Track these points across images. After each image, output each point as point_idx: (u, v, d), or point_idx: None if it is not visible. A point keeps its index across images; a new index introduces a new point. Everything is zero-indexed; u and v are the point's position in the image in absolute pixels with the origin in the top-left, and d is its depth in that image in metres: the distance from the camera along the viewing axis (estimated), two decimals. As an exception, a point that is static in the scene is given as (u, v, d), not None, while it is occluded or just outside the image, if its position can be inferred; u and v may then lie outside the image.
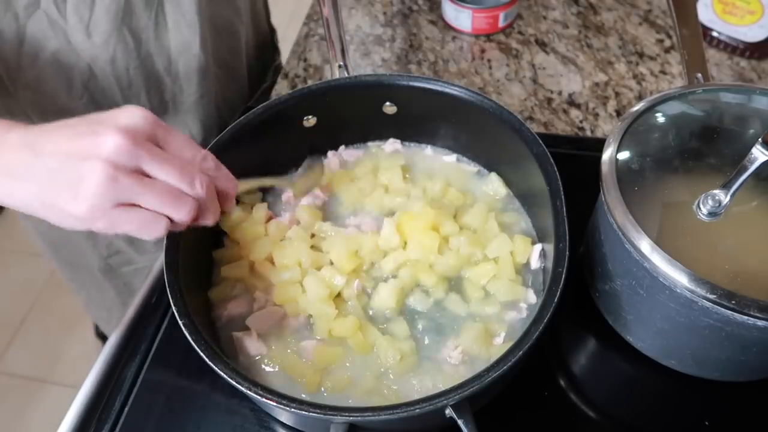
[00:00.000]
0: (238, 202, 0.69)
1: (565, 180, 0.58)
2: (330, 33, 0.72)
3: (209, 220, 0.52)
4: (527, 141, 0.62)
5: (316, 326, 0.61)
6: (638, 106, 0.60)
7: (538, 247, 0.64)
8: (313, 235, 0.67)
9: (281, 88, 0.94)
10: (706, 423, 0.59)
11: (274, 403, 0.48)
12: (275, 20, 1.09)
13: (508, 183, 0.71)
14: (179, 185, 0.48)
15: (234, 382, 0.50)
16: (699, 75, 0.64)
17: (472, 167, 0.74)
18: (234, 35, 0.86)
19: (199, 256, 0.64)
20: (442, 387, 0.49)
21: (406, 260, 0.63)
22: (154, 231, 0.49)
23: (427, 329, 0.61)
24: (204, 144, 0.85)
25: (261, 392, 0.49)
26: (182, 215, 0.49)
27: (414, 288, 0.63)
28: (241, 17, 0.87)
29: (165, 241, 0.57)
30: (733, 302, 0.48)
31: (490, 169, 0.73)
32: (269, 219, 0.69)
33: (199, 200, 0.50)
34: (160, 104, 0.79)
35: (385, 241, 0.65)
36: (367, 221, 0.68)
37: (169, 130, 0.50)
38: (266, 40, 1.03)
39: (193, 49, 0.77)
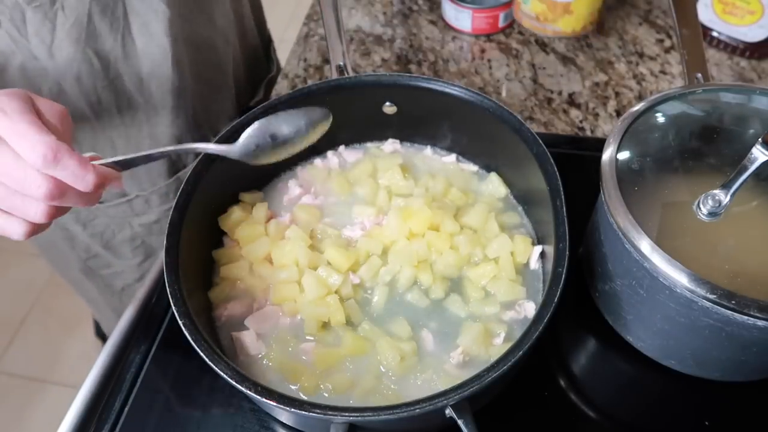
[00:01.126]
0: (238, 201, 0.70)
1: (565, 180, 0.58)
2: (330, 33, 0.72)
3: (82, 205, 0.52)
4: (527, 141, 0.62)
5: (306, 325, 0.61)
6: (638, 106, 0.60)
7: (539, 248, 0.64)
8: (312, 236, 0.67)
9: (281, 88, 0.94)
10: (706, 423, 0.59)
11: (274, 403, 0.48)
12: (275, 21, 1.09)
13: (508, 183, 0.71)
14: (21, 191, 0.49)
15: (234, 382, 0.50)
16: (699, 75, 0.64)
17: (472, 167, 0.74)
18: (215, 52, 0.84)
19: (199, 256, 0.64)
20: (442, 387, 0.49)
21: (406, 259, 0.63)
22: (13, 232, 0.50)
23: (427, 329, 0.61)
24: (182, 164, 0.84)
25: (261, 392, 0.49)
26: (32, 217, 0.50)
27: (412, 287, 0.63)
28: (224, 35, 0.85)
29: (165, 242, 0.57)
30: (733, 302, 0.48)
31: (490, 169, 0.73)
32: (269, 219, 0.69)
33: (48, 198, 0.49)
34: (133, 121, 0.77)
35: (385, 239, 0.65)
36: (367, 221, 0.68)
37: (18, 132, 0.48)
38: (257, 54, 1.01)
39: (165, 71, 0.75)
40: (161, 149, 0.55)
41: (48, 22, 0.65)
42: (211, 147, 0.58)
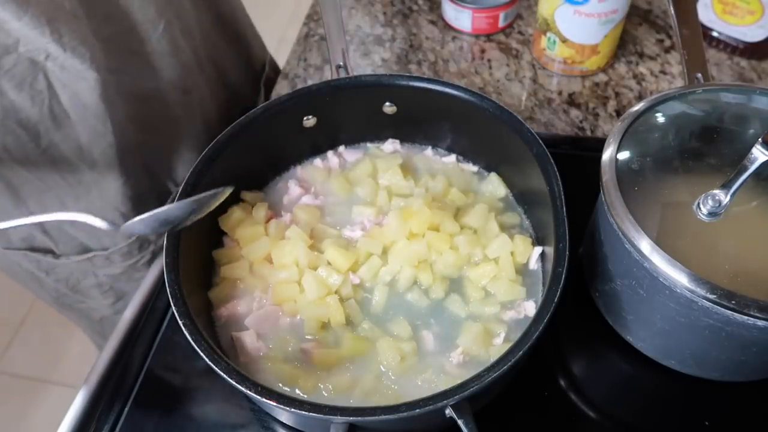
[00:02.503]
0: (238, 201, 0.70)
1: (565, 180, 0.58)
2: (330, 33, 0.72)
3: None
4: (527, 141, 0.62)
5: (306, 325, 0.61)
6: (638, 106, 0.60)
7: (539, 248, 0.64)
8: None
9: (281, 88, 0.94)
10: (706, 423, 0.60)
11: (274, 403, 0.48)
12: (275, 21, 1.08)
13: (508, 183, 0.71)
14: None
15: (234, 382, 0.50)
16: (699, 75, 0.64)
17: (472, 167, 0.74)
18: (162, 101, 0.76)
19: (199, 256, 0.64)
20: (442, 387, 0.49)
21: (406, 260, 0.63)
22: None
23: (427, 329, 0.61)
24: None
25: (261, 392, 0.49)
26: None
27: (412, 287, 0.63)
28: (172, 82, 0.76)
29: (165, 242, 0.57)
30: (733, 302, 0.48)
31: (490, 170, 0.73)
32: (269, 219, 0.69)
33: None
34: (80, 184, 0.73)
35: (385, 239, 0.65)
36: (367, 221, 0.68)
37: None
38: (236, 93, 0.93)
39: (106, 136, 0.70)
40: (32, 219, 0.52)
41: None
42: (96, 221, 0.52)
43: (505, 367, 0.49)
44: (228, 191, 0.56)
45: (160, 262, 0.71)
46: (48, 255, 0.81)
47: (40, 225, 0.77)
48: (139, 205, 0.79)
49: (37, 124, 0.66)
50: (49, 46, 0.61)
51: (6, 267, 0.87)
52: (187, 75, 0.79)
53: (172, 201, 0.60)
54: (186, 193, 0.61)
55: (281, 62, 1.01)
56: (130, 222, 0.52)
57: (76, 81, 0.65)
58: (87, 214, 0.52)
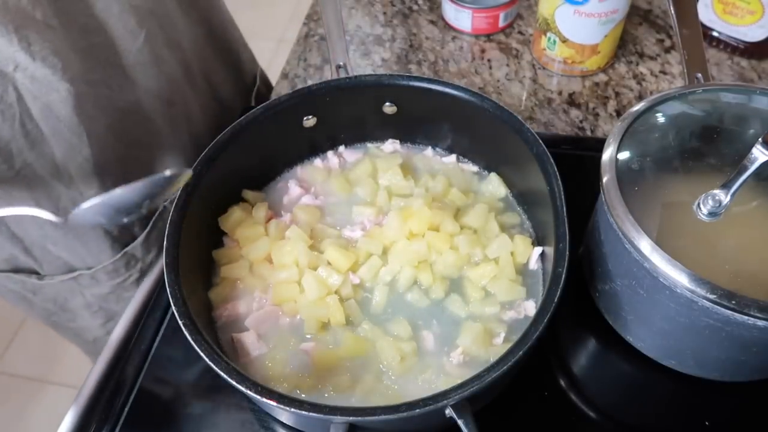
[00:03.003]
0: (239, 201, 0.70)
1: (565, 180, 0.58)
2: (330, 33, 0.72)
3: None
4: (527, 141, 0.62)
5: (306, 325, 0.61)
6: (638, 106, 0.60)
7: (539, 248, 0.64)
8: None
9: (281, 88, 0.94)
10: (706, 423, 0.59)
11: (275, 403, 0.48)
12: (275, 21, 1.08)
13: (508, 183, 0.71)
14: None
15: (234, 382, 0.50)
16: (699, 75, 0.64)
17: (472, 167, 0.74)
18: (143, 113, 0.74)
19: (199, 256, 0.64)
20: (442, 387, 0.49)
21: (406, 260, 0.63)
22: None
23: (427, 330, 0.61)
24: (130, 237, 0.76)
25: (261, 392, 0.49)
26: None
27: (412, 287, 0.63)
28: (155, 93, 0.75)
29: (165, 241, 0.57)
30: (733, 302, 0.48)
31: (490, 170, 0.73)
32: (269, 219, 0.69)
33: None
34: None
35: (385, 239, 0.65)
36: (367, 221, 0.68)
37: None
38: (227, 107, 0.91)
39: (83, 152, 0.67)
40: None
41: None
42: (42, 213, 0.51)
43: (505, 367, 0.49)
44: (187, 175, 0.53)
45: (149, 280, 0.71)
46: (32, 276, 0.79)
47: (21, 244, 0.74)
48: (120, 240, 0.77)
49: (9, 143, 0.63)
50: (17, 55, 0.59)
51: None
52: (172, 87, 0.77)
53: (171, 203, 0.60)
54: (186, 194, 0.61)
55: (281, 62, 1.01)
56: (77, 210, 0.49)
57: (48, 92, 0.62)
58: (34, 207, 0.51)
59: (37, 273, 0.80)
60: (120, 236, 0.78)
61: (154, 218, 0.80)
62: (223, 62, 0.90)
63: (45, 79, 0.61)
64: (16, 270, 0.79)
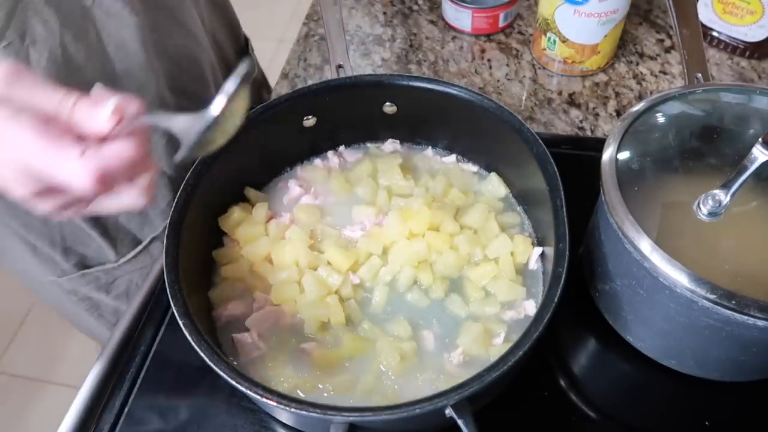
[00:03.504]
0: (238, 201, 0.70)
1: (565, 180, 0.58)
2: (330, 33, 0.72)
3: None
4: (527, 141, 0.62)
5: (306, 325, 0.61)
6: (638, 106, 0.60)
7: (539, 248, 0.64)
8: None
9: (281, 88, 0.94)
10: (706, 423, 0.59)
11: (275, 403, 0.48)
12: (275, 21, 1.08)
13: (508, 183, 0.71)
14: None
15: (234, 382, 0.50)
16: (699, 75, 0.64)
17: (472, 167, 0.74)
18: (194, 62, 0.77)
19: (199, 256, 0.64)
20: (442, 387, 0.49)
21: (406, 260, 0.63)
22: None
23: (427, 329, 0.61)
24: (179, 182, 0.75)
25: (261, 392, 0.49)
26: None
27: (412, 287, 0.63)
28: (200, 43, 0.79)
29: (165, 241, 0.57)
30: (733, 302, 0.48)
31: (490, 170, 0.73)
32: (269, 219, 0.69)
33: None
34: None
35: (385, 239, 0.65)
36: (367, 221, 0.68)
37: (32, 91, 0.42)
38: (232, 60, 0.93)
39: (151, 92, 0.71)
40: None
41: (21, 63, 0.58)
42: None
43: (505, 367, 0.48)
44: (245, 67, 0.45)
45: (149, 280, 0.71)
46: (106, 265, 0.80)
47: (102, 227, 0.75)
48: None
49: (90, 83, 0.64)
50: None
51: (56, 301, 0.85)
52: (201, 35, 0.78)
53: (174, 203, 0.60)
54: (186, 194, 0.61)
55: (281, 62, 1.01)
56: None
57: (120, 28, 0.64)
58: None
59: (110, 261, 0.80)
60: (176, 185, 0.78)
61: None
62: (222, 23, 0.90)
63: (117, 14, 0.63)
64: (88, 266, 0.79)
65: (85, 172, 0.41)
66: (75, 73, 0.63)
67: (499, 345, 0.59)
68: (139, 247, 0.80)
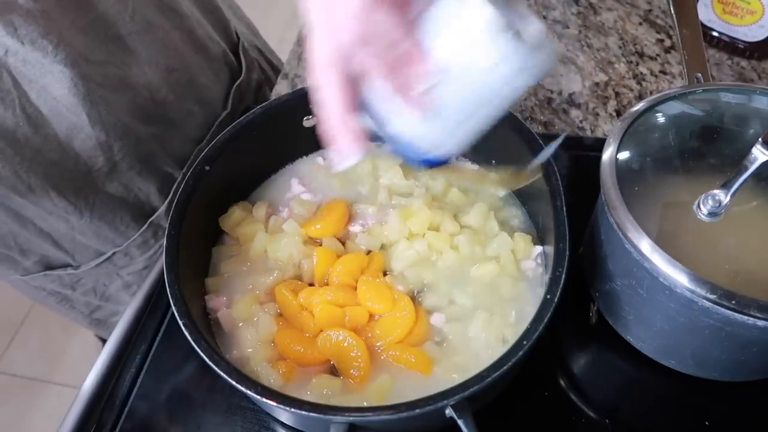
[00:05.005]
0: (239, 200, 0.70)
1: (565, 180, 0.58)
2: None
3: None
4: (527, 141, 0.62)
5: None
6: (638, 106, 0.60)
7: (539, 248, 0.64)
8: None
9: (281, 88, 0.94)
10: (706, 423, 0.59)
11: (275, 403, 0.48)
12: (275, 21, 1.07)
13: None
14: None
15: (234, 382, 0.50)
16: (699, 75, 0.64)
17: (471, 166, 0.74)
18: (153, 88, 0.75)
19: (199, 256, 0.64)
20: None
21: (407, 260, 0.63)
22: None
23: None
24: (150, 209, 0.76)
25: (261, 392, 0.49)
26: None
27: (412, 287, 0.63)
28: (159, 64, 0.75)
29: (165, 242, 0.57)
30: (733, 302, 0.48)
31: (490, 169, 0.72)
32: (269, 216, 0.69)
33: None
34: (79, 200, 0.72)
35: (384, 239, 0.65)
36: (368, 219, 0.68)
37: None
38: (220, 63, 0.89)
39: (85, 131, 0.69)
40: None
41: None
42: None
43: (505, 367, 0.48)
44: None
45: (149, 280, 0.71)
46: (67, 269, 0.80)
47: (50, 239, 0.76)
48: (161, 195, 0.79)
49: (15, 131, 0.64)
50: (5, 40, 0.61)
51: (32, 295, 0.86)
52: (169, 53, 0.77)
53: (174, 203, 0.60)
54: (186, 194, 0.61)
55: (281, 62, 1.01)
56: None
57: (42, 75, 0.64)
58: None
59: (70, 265, 0.80)
60: (142, 209, 0.79)
61: (174, 187, 0.81)
62: (216, 29, 0.89)
63: (37, 62, 0.63)
64: (50, 267, 0.80)
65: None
66: None
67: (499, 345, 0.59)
68: (101, 258, 0.80)
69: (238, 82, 0.91)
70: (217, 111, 0.87)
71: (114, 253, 0.80)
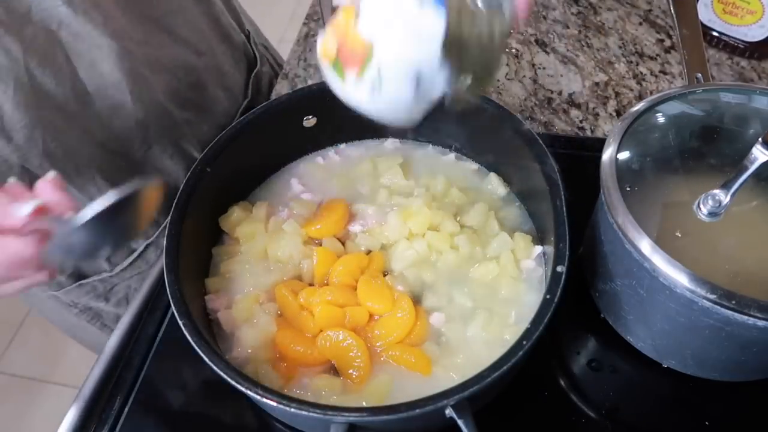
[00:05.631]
0: (239, 200, 0.70)
1: (565, 180, 0.58)
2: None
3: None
4: (527, 141, 0.62)
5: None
6: (638, 106, 0.60)
7: (539, 248, 0.64)
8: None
9: (281, 88, 0.94)
10: (706, 423, 0.59)
11: (275, 403, 0.48)
12: (275, 21, 1.08)
13: (508, 183, 0.71)
14: None
15: (234, 382, 0.50)
16: (699, 75, 0.64)
17: (472, 166, 0.74)
18: (191, 70, 0.77)
19: (199, 256, 0.64)
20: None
21: (407, 260, 0.63)
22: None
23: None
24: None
25: (261, 392, 0.49)
26: None
27: (412, 288, 0.63)
28: (195, 47, 0.77)
29: (165, 241, 0.57)
30: (733, 302, 0.48)
31: (490, 169, 0.73)
32: (269, 216, 0.69)
33: None
34: (119, 170, 0.72)
35: (384, 239, 0.65)
36: (368, 219, 0.68)
37: None
38: (241, 52, 0.91)
39: (127, 110, 0.69)
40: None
41: None
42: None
43: (505, 367, 0.48)
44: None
45: (149, 280, 0.71)
46: (102, 274, 0.80)
47: None
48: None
49: (66, 107, 0.64)
50: (60, 10, 0.60)
51: (59, 318, 0.85)
52: (197, 36, 0.78)
53: (174, 203, 0.60)
54: (186, 194, 0.61)
55: (282, 63, 1.01)
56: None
57: (90, 49, 0.64)
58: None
59: (105, 271, 0.80)
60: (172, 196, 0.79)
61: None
62: (234, 20, 0.91)
63: (87, 34, 0.63)
64: (84, 276, 0.79)
65: None
66: (45, 99, 0.63)
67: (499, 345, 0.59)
68: (134, 255, 0.80)
69: (255, 71, 0.92)
70: (239, 99, 0.88)
71: (146, 248, 0.80)
